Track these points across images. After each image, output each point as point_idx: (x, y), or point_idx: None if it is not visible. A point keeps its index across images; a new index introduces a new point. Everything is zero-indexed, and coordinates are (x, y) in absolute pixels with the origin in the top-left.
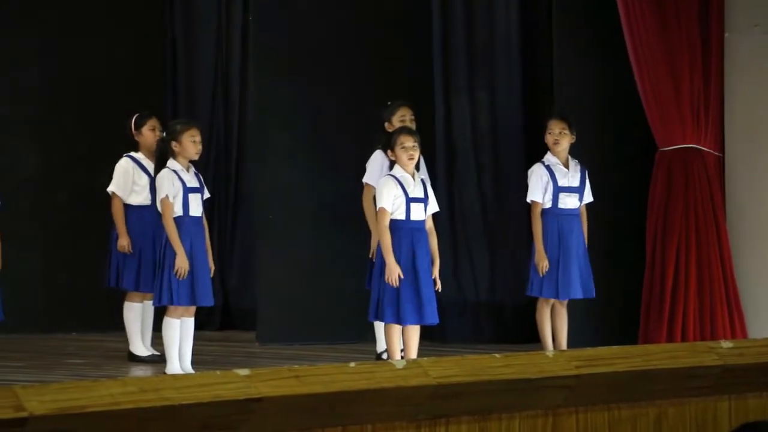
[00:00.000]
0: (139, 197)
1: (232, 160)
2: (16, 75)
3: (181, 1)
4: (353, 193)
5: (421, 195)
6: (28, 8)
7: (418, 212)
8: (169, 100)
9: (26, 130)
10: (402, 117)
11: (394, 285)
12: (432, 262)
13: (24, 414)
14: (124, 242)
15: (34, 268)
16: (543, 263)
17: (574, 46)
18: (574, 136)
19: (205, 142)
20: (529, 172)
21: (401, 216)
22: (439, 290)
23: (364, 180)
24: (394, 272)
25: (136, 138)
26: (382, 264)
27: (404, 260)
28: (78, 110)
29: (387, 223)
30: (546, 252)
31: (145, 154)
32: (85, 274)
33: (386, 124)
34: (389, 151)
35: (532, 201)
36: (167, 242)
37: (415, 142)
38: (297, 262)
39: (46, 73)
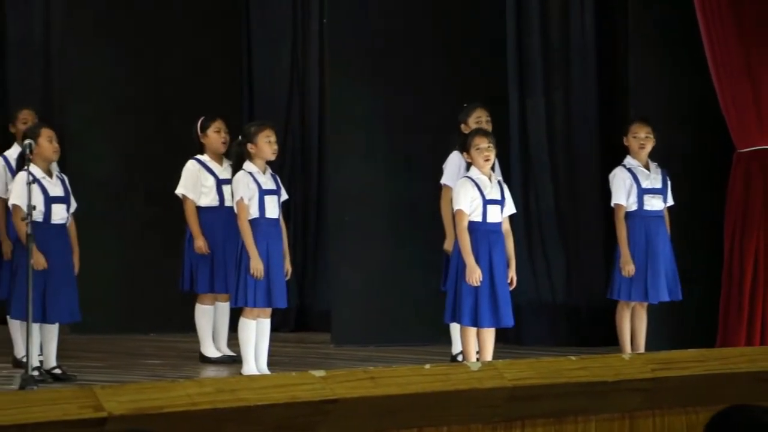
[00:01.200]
0: (207, 198)
1: (309, 162)
2: (95, 78)
3: (258, 4)
4: (429, 195)
5: (498, 197)
6: (108, 12)
7: (494, 214)
8: (245, 103)
9: (103, 133)
10: (478, 118)
11: (475, 285)
12: (508, 264)
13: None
14: (200, 243)
15: (111, 269)
16: (629, 266)
17: (650, 50)
18: (655, 140)
19: (282, 144)
20: (611, 176)
21: (478, 218)
22: (513, 287)
23: (442, 182)
24: (474, 273)
25: (201, 140)
26: (461, 266)
27: (481, 262)
28: (155, 113)
29: (465, 224)
30: (632, 255)
31: (210, 156)
32: (161, 275)
33: (462, 126)
34: (465, 153)
35: (615, 204)
36: (243, 244)
37: (489, 143)
38: (372, 264)
39: (124, 76)
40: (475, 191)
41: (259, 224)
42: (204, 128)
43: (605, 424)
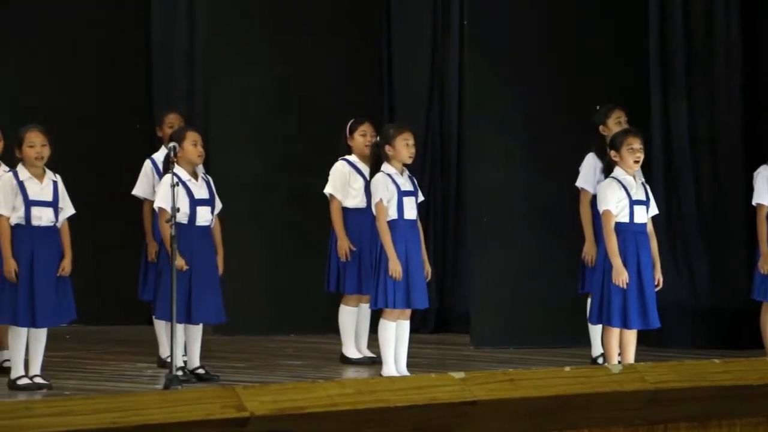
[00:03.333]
0: (355, 200)
1: (448, 163)
2: (239, 80)
3: (398, 6)
4: (567, 196)
5: (643, 197)
6: (252, 13)
7: (641, 215)
8: (385, 105)
9: (247, 134)
10: (618, 119)
11: (623, 287)
12: (653, 265)
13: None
14: (344, 245)
15: (254, 270)
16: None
17: None
18: None
19: (421, 146)
20: (755, 174)
21: (625, 219)
22: (659, 288)
23: (578, 184)
24: (622, 274)
25: (349, 142)
26: (607, 267)
27: (630, 263)
28: (298, 114)
29: (612, 225)
30: None
31: (359, 158)
32: (303, 276)
33: (601, 127)
34: (612, 152)
35: (757, 204)
36: (382, 246)
37: (641, 144)
38: (512, 265)
39: (267, 78)
40: (621, 192)
41: (398, 225)
42: (351, 131)
43: (750, 428)
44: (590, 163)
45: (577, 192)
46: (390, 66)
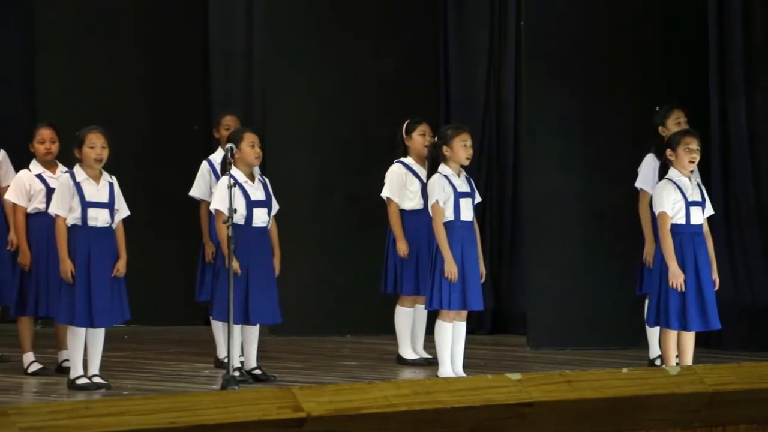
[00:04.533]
0: (412, 202)
1: (504, 164)
2: (296, 81)
3: (454, 6)
4: (625, 198)
5: (699, 198)
6: (309, 16)
7: (697, 216)
8: (441, 105)
9: (303, 135)
10: (677, 120)
11: (680, 290)
12: (710, 266)
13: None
14: (402, 246)
15: (310, 271)
16: None
17: None
18: None
19: (477, 147)
20: None
21: (681, 220)
22: (716, 288)
23: (637, 185)
24: (678, 277)
25: (406, 143)
26: (664, 269)
27: (687, 265)
28: (354, 116)
29: (668, 227)
30: None
31: (415, 160)
32: (360, 277)
33: (660, 128)
34: (668, 150)
35: None
36: (438, 247)
37: (698, 145)
38: (569, 267)
39: (324, 79)
40: (677, 193)
41: (455, 227)
42: (409, 131)
43: None
44: (649, 164)
45: (635, 193)
46: (447, 67)
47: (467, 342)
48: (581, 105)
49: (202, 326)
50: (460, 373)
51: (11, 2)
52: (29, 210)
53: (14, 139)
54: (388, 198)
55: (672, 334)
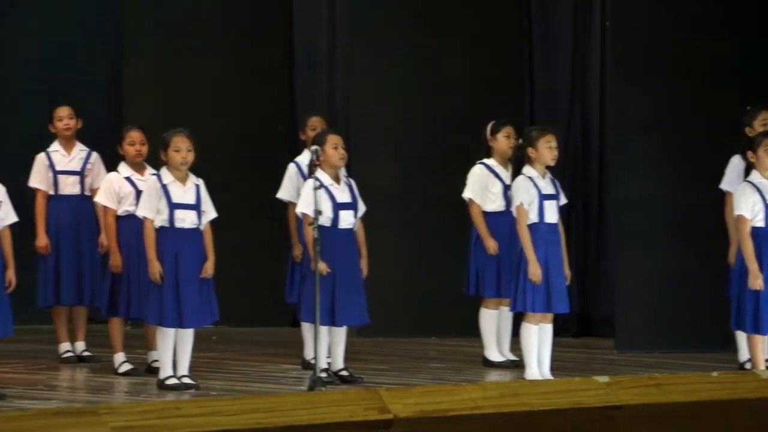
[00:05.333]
0: (493, 204)
1: (589, 166)
2: (380, 83)
3: (539, 8)
4: (713, 199)
5: None
6: (393, 17)
7: None
8: (526, 107)
9: (388, 137)
10: (764, 121)
11: (761, 289)
12: None
13: (388, 416)
14: (490, 243)
15: (396, 273)
16: None
17: None
18: None
19: (562, 149)
20: None
21: (761, 223)
22: None
23: (722, 186)
24: (757, 280)
25: (490, 144)
26: (743, 272)
27: (765, 269)
28: (438, 117)
29: (748, 230)
30: None
31: (498, 161)
32: (445, 278)
33: (747, 129)
34: (749, 152)
35: None
36: (522, 249)
37: None
38: (656, 268)
39: (408, 81)
40: (756, 195)
41: (539, 229)
42: (494, 132)
43: None
44: (735, 165)
45: (722, 194)
46: (531, 69)
47: (554, 344)
48: (667, 106)
49: (289, 327)
50: (547, 375)
51: (100, 8)
52: (119, 212)
53: (102, 142)
54: (469, 199)
55: (760, 338)
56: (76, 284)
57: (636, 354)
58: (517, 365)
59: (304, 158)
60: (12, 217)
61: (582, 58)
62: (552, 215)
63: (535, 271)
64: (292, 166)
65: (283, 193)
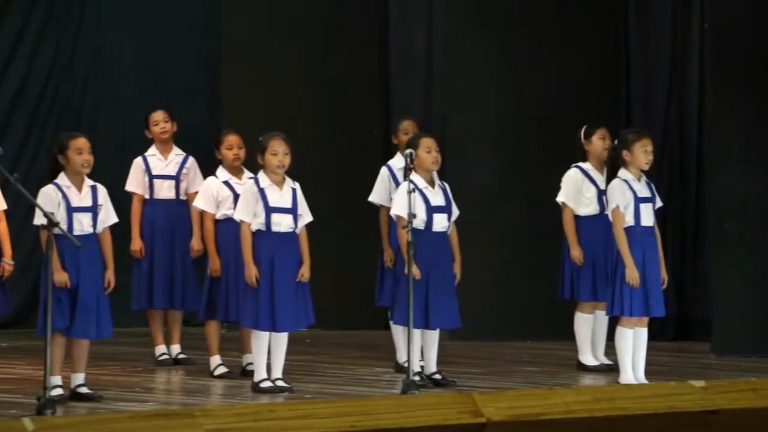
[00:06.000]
0: (587, 208)
1: (687, 169)
2: (475, 87)
3: (636, 9)
4: None
5: None
6: (489, 21)
7: None
8: (622, 109)
9: (482, 140)
10: None
11: None
12: None
13: (482, 420)
14: (576, 253)
15: (489, 276)
16: None
17: None
18: None
19: (659, 151)
20: None
21: None
22: None
23: None
24: None
25: (585, 147)
26: None
27: None
28: (532, 120)
29: None
30: None
31: (593, 164)
32: (539, 282)
33: None
34: None
35: None
36: (618, 253)
37: None
38: (754, 272)
39: (502, 85)
40: None
41: (635, 232)
42: (588, 135)
43: None
44: None
45: None
46: (628, 70)
47: (649, 348)
48: (766, 107)
49: (382, 330)
50: (642, 379)
51: (198, 12)
52: (218, 216)
53: (198, 147)
54: (563, 203)
55: None
56: (169, 288)
57: (733, 358)
58: (611, 369)
59: (396, 162)
60: (112, 219)
61: (680, 59)
62: (648, 218)
63: (632, 274)
64: (384, 170)
65: (375, 197)
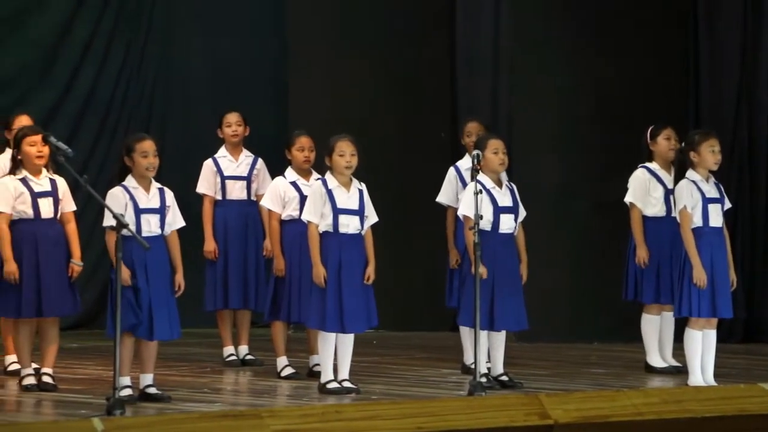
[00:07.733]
0: (654, 209)
1: (756, 170)
2: (542, 88)
3: (705, 7)
4: None
5: None
6: (554, 21)
7: None
8: (691, 110)
9: (549, 140)
10: None
11: None
12: None
13: (549, 422)
14: (642, 253)
15: (556, 277)
16: None
17: None
18: None
19: (728, 151)
20: None
21: None
22: None
23: None
24: None
25: (651, 148)
26: None
27: None
28: (600, 120)
29: None
30: None
31: (660, 165)
32: (607, 283)
33: None
34: None
35: None
36: (686, 254)
37: None
38: None
39: (569, 86)
40: None
41: (703, 233)
42: (654, 135)
43: None
44: None
45: None
46: (697, 70)
47: (718, 350)
48: None
49: (448, 332)
50: (711, 382)
51: (265, 14)
52: (283, 217)
53: (265, 149)
54: (631, 203)
55: None
56: (243, 288)
57: None
58: (679, 371)
59: (464, 163)
60: (180, 222)
61: (750, 59)
62: (716, 219)
63: (700, 275)
64: (451, 170)
65: (443, 198)
